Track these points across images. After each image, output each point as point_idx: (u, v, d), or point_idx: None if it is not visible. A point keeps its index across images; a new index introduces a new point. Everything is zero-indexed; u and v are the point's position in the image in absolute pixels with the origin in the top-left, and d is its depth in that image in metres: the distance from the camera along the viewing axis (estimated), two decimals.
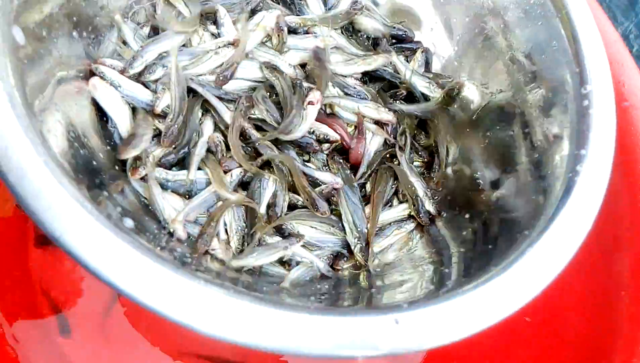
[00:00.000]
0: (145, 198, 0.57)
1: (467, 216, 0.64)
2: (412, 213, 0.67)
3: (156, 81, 0.63)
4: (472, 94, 0.73)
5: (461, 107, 0.75)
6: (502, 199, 0.60)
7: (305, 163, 0.67)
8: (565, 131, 0.55)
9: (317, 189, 0.64)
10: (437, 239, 0.65)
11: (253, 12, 0.73)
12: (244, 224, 0.60)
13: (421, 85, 0.75)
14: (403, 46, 0.81)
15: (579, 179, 0.49)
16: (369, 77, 0.78)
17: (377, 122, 0.73)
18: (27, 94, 0.44)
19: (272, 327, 0.38)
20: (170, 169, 0.61)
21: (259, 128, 0.66)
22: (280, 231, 0.62)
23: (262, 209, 0.61)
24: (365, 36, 0.82)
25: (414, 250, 0.65)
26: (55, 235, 0.37)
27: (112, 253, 0.38)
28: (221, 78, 0.65)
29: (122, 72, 0.60)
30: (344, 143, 0.68)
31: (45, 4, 0.50)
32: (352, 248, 0.63)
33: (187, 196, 0.60)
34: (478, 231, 0.59)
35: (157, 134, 0.62)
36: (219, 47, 0.66)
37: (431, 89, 0.74)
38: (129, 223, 0.46)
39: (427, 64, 0.81)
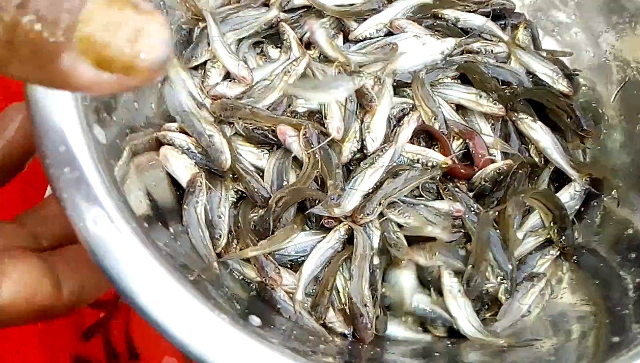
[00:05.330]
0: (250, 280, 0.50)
1: None
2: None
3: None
4: None
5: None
6: None
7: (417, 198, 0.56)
8: None
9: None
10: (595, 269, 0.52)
11: None
12: None
13: (540, 70, 0.59)
14: (500, 22, 0.66)
15: None
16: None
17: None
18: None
19: None
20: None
21: None
22: None
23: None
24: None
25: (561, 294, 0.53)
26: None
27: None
28: None
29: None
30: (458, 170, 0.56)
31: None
32: (494, 289, 0.52)
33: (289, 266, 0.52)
34: None
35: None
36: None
37: (554, 78, 0.59)
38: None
39: (535, 41, 0.66)
